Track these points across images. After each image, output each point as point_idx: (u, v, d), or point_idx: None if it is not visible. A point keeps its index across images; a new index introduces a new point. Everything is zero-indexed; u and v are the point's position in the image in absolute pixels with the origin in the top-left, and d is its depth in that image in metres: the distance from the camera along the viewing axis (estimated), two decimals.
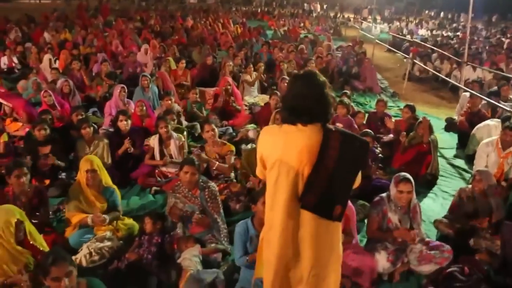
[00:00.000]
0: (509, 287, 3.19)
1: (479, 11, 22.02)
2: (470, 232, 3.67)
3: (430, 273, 3.31)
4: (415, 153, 5.16)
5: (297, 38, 16.25)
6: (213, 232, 3.60)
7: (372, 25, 22.45)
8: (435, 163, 5.14)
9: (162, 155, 4.91)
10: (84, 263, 3.29)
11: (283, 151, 2.05)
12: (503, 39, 19.42)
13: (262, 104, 7.17)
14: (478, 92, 6.88)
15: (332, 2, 39.76)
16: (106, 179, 3.93)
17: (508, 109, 5.84)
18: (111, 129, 5.64)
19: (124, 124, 5.10)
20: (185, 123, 6.36)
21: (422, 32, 22.35)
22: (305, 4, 37.23)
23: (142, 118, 5.88)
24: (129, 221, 3.92)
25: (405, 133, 5.33)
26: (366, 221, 3.98)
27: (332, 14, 31.80)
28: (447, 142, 6.65)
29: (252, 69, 8.37)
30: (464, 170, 5.70)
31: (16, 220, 2.95)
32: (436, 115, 7.94)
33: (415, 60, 11.38)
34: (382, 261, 3.28)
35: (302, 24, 23.19)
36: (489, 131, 5.60)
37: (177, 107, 6.44)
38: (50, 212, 4.02)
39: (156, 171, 4.86)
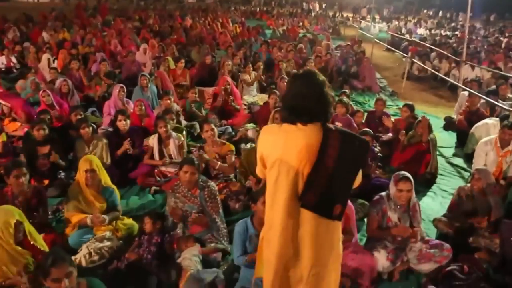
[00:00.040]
0: (508, 285, 3.19)
1: (477, 10, 22.08)
2: (470, 231, 3.68)
3: (430, 272, 3.32)
4: (414, 152, 5.17)
5: (296, 37, 16.25)
6: (212, 232, 3.61)
7: (371, 24, 22.47)
8: (434, 162, 5.15)
9: (161, 154, 4.91)
10: (83, 263, 3.29)
11: (283, 151, 2.05)
12: (501, 38, 19.44)
13: (261, 103, 7.17)
14: (476, 91, 6.89)
15: (331, 2, 39.78)
16: (105, 179, 3.92)
17: (506, 107, 5.84)
18: (110, 129, 5.63)
19: (123, 124, 5.10)
20: (184, 122, 6.35)
21: (421, 31, 22.36)
22: (304, 4, 37.19)
23: (141, 118, 5.88)
24: (128, 221, 3.91)
25: (404, 131, 5.35)
26: (365, 220, 3.99)
27: (331, 13, 31.81)
28: (446, 141, 6.66)
29: (251, 68, 8.37)
30: (463, 168, 5.71)
31: (15, 221, 2.95)
32: (434, 114, 7.95)
33: (414, 59, 11.40)
34: (381, 260, 3.29)
35: (301, 24, 23.19)
36: (487, 129, 5.61)
37: (176, 107, 6.43)
38: (49, 212, 4.02)
39: (156, 170, 4.86)
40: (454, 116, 7.32)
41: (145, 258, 3.31)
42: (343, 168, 2.00)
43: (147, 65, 9.58)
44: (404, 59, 13.02)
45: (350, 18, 28.81)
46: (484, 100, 6.58)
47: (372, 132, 5.19)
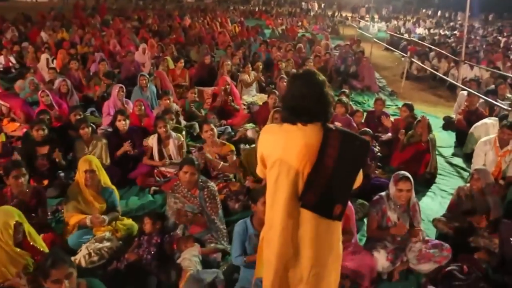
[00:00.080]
0: (507, 285, 3.20)
1: (476, 10, 22.06)
2: (469, 231, 3.69)
3: (429, 272, 3.33)
4: (414, 151, 5.17)
5: (295, 37, 16.26)
6: (212, 232, 3.61)
7: (370, 24, 22.46)
8: (433, 162, 5.15)
9: (161, 154, 4.90)
10: (83, 264, 3.28)
11: (284, 150, 2.05)
12: (499, 37, 19.49)
13: (261, 103, 7.17)
14: (475, 91, 6.90)
15: (330, 1, 39.79)
16: (104, 179, 3.92)
17: (505, 107, 5.85)
18: (110, 129, 5.63)
19: (123, 124, 5.09)
20: (183, 122, 6.35)
21: (420, 30, 22.38)
22: (303, 3, 37.19)
23: (141, 118, 5.88)
24: (128, 221, 3.91)
25: (403, 131, 5.35)
26: (365, 220, 4.00)
27: (330, 13, 31.82)
28: (445, 140, 6.66)
29: (250, 68, 8.37)
30: (462, 168, 5.71)
31: (15, 221, 2.94)
32: (434, 114, 7.95)
33: (413, 59, 11.40)
34: (381, 260, 3.29)
35: (300, 23, 23.19)
36: (487, 129, 5.62)
37: (175, 107, 6.43)
38: (49, 213, 4.01)
39: (155, 171, 4.85)
40: (453, 115, 7.33)
41: (145, 259, 3.30)
42: (343, 168, 2.00)
43: (146, 65, 9.58)
44: (403, 58, 13.02)
45: (349, 18, 28.80)
46: (483, 100, 6.59)
47: (371, 132, 5.20)
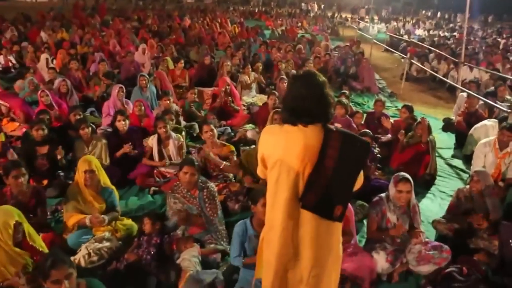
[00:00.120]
0: (507, 287, 3.20)
1: (475, 12, 22.12)
2: (469, 233, 3.69)
3: (429, 274, 3.32)
4: (414, 153, 5.17)
5: (294, 38, 16.28)
6: (211, 233, 3.60)
7: (369, 25, 22.48)
8: (433, 163, 5.15)
9: (160, 155, 4.90)
10: (83, 264, 3.27)
11: (284, 151, 2.05)
12: (499, 39, 19.52)
13: (260, 104, 7.17)
14: (475, 92, 6.91)
15: (330, 2, 39.83)
16: (104, 179, 3.92)
17: (505, 109, 5.86)
18: (109, 129, 5.62)
19: (122, 124, 5.09)
20: (183, 123, 6.35)
21: (419, 32, 22.41)
22: (303, 4, 37.24)
23: (141, 118, 5.88)
24: (128, 221, 3.91)
25: (403, 131, 5.35)
26: (365, 221, 4.00)
27: (329, 14, 31.84)
28: (444, 142, 6.67)
29: (250, 69, 8.37)
30: (461, 170, 5.71)
31: (14, 221, 2.93)
32: (433, 115, 7.96)
33: (412, 60, 11.42)
34: (381, 261, 3.29)
35: (299, 24, 23.21)
36: (486, 131, 5.63)
37: (175, 107, 6.42)
38: (48, 213, 4.01)
39: (155, 171, 4.85)
40: (453, 117, 7.33)
41: (144, 259, 3.30)
42: (343, 169, 2.00)
43: (146, 65, 9.57)
44: (402, 60, 13.03)
45: (349, 19, 28.81)
46: (482, 102, 6.60)
47: (371, 133, 5.20)
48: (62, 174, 4.69)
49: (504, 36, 21.22)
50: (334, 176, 1.99)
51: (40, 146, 4.70)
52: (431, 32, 22.41)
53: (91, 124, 5.16)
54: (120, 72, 8.99)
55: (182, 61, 8.85)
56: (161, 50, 10.63)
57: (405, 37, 17.93)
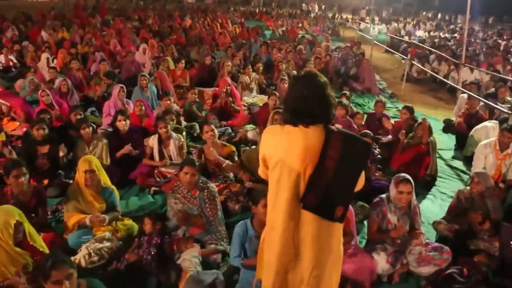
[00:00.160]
0: None
1: (476, 13, 22.12)
2: (469, 234, 3.68)
3: (429, 275, 3.32)
4: (414, 154, 5.17)
5: (295, 38, 16.28)
6: (211, 233, 3.60)
7: (370, 26, 22.48)
8: (434, 164, 5.15)
9: (161, 155, 4.90)
10: (83, 264, 3.27)
11: (286, 152, 2.05)
12: (499, 41, 19.52)
13: (261, 104, 7.17)
14: (475, 94, 6.91)
15: (330, 3, 39.83)
16: (104, 179, 3.91)
17: (505, 110, 5.86)
18: (110, 129, 5.62)
19: (123, 124, 5.09)
20: (184, 123, 6.35)
21: (420, 33, 22.40)
22: (303, 5, 37.24)
23: (141, 118, 5.88)
24: (128, 222, 3.90)
25: (404, 131, 5.35)
26: (365, 222, 4.00)
27: (330, 15, 31.83)
28: (445, 143, 6.67)
29: (251, 70, 8.37)
30: (462, 171, 5.72)
31: (15, 221, 2.93)
32: (434, 117, 7.96)
33: (413, 62, 11.42)
34: (381, 262, 3.29)
35: (300, 25, 23.22)
36: (487, 132, 5.63)
37: (176, 107, 6.42)
38: (49, 212, 4.00)
39: (155, 171, 4.84)
40: (454, 118, 7.34)
41: (145, 259, 3.30)
42: (344, 169, 2.00)
43: (146, 65, 9.57)
44: (403, 61, 13.04)
45: (349, 20, 28.83)
46: (483, 103, 6.60)
47: (372, 134, 5.20)
48: (62, 173, 4.68)
49: (505, 37, 21.22)
50: (335, 177, 1.99)
51: (40, 146, 4.70)
52: (431, 33, 22.42)
53: (92, 124, 5.16)
54: (121, 72, 8.99)
55: (183, 61, 8.86)
56: (162, 50, 10.63)
57: (406, 38, 17.92)
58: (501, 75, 9.58)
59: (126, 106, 6.30)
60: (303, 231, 2.10)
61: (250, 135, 6.02)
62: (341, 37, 20.57)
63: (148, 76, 7.20)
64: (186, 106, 6.90)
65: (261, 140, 2.22)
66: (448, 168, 5.83)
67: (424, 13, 36.31)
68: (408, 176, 3.43)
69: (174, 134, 5.03)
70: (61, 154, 4.63)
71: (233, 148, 4.86)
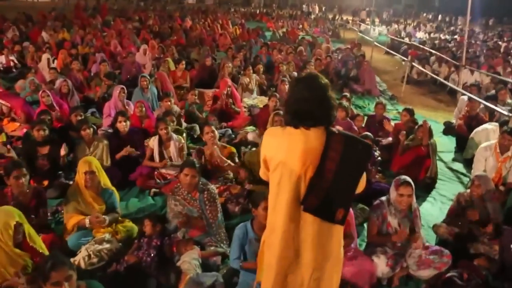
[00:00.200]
0: None
1: (476, 15, 22.13)
2: (469, 237, 3.68)
3: (429, 278, 3.32)
4: (414, 156, 5.17)
5: (295, 39, 16.28)
6: (211, 236, 3.60)
7: (370, 27, 22.51)
8: (434, 167, 5.15)
9: (161, 156, 4.89)
10: (82, 266, 3.27)
11: (286, 153, 2.05)
12: (499, 42, 19.52)
13: (261, 106, 7.17)
14: (476, 96, 6.90)
15: (331, 4, 39.86)
16: (104, 180, 3.91)
17: (505, 113, 5.86)
18: (110, 130, 5.62)
19: (123, 125, 5.08)
20: (184, 124, 6.34)
21: (420, 35, 22.40)
22: (304, 6, 37.27)
23: (142, 119, 5.87)
24: (128, 224, 3.89)
25: (404, 132, 5.35)
26: (365, 225, 3.99)
27: (330, 16, 31.88)
28: (445, 145, 6.67)
29: (251, 71, 8.36)
30: (462, 174, 5.71)
31: (15, 222, 2.93)
32: (434, 119, 7.96)
33: (413, 63, 11.42)
34: (381, 265, 3.28)
35: (300, 26, 23.23)
36: (487, 135, 5.62)
37: (176, 109, 6.42)
38: (49, 214, 4.00)
39: (156, 173, 4.83)
40: (454, 120, 7.33)
41: (145, 261, 3.29)
42: (345, 171, 1.99)
43: (147, 66, 9.57)
44: (403, 62, 13.04)
45: (350, 21, 28.85)
46: (483, 105, 6.59)
47: (372, 136, 5.20)
48: (62, 175, 4.68)
49: (505, 39, 21.21)
50: (336, 179, 1.98)
51: (41, 147, 4.70)
52: (432, 35, 22.41)
53: (93, 125, 5.15)
54: (121, 73, 8.98)
55: (183, 62, 8.86)
56: (162, 51, 10.63)
57: (406, 39, 17.93)
58: (501, 77, 9.58)
59: (127, 107, 6.29)
60: (303, 233, 2.09)
61: (250, 136, 6.02)
62: (341, 39, 20.58)
63: (148, 77, 7.20)
64: (186, 107, 6.90)
65: (262, 141, 2.22)
66: (448, 170, 5.83)
67: (424, 14, 36.32)
68: (408, 179, 3.42)
69: (174, 136, 5.03)
70: (62, 153, 4.59)
71: (233, 150, 4.86)
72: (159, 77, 7.86)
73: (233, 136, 6.29)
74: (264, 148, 2.18)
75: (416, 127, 5.29)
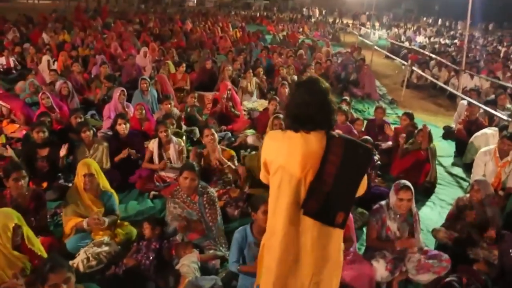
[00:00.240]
0: None
1: (476, 19, 22.18)
2: (468, 242, 3.68)
3: (428, 283, 3.31)
4: (414, 160, 5.17)
5: (296, 43, 16.31)
6: (210, 239, 3.59)
7: (370, 31, 22.54)
8: (433, 171, 5.15)
9: (161, 159, 4.88)
10: (81, 268, 3.25)
11: (286, 158, 2.05)
12: (499, 47, 19.57)
13: (261, 109, 7.17)
14: (475, 101, 6.92)
15: (331, 8, 39.97)
16: (104, 183, 3.90)
17: (505, 118, 5.87)
18: (110, 132, 5.62)
19: (123, 128, 5.08)
20: (184, 127, 6.34)
21: (420, 39, 22.45)
22: (304, 9, 37.36)
23: (141, 122, 5.88)
24: (127, 227, 3.89)
25: (404, 135, 5.35)
26: (364, 229, 3.99)
27: (331, 20, 31.92)
28: (445, 150, 6.67)
29: (252, 74, 8.37)
30: (461, 178, 5.71)
31: (14, 224, 2.92)
32: (434, 123, 7.96)
33: (413, 67, 11.44)
34: (380, 269, 3.28)
35: (301, 29, 23.26)
36: (486, 139, 5.63)
37: (176, 111, 6.42)
38: (48, 216, 3.99)
39: (155, 175, 4.83)
40: (453, 125, 7.34)
41: (143, 264, 3.29)
42: (346, 175, 2.00)
43: (147, 68, 9.58)
44: (403, 66, 13.06)
45: (350, 25, 28.90)
46: (483, 110, 6.60)
47: (372, 140, 5.20)
48: (62, 177, 4.67)
49: (505, 44, 21.26)
50: (336, 183, 1.98)
51: (40, 149, 4.69)
52: (432, 39, 22.45)
53: (93, 127, 5.15)
54: (121, 75, 8.98)
55: (184, 64, 8.86)
56: (163, 53, 10.64)
57: (406, 44, 17.97)
58: (501, 82, 9.60)
59: (126, 109, 6.29)
60: (303, 237, 2.09)
61: (250, 140, 6.02)
62: (341, 42, 20.62)
63: (148, 79, 7.20)
64: (186, 110, 6.90)
65: (263, 144, 2.22)
66: (447, 175, 5.83)
67: (424, 19, 36.38)
68: (408, 183, 3.42)
69: (174, 138, 5.03)
70: (61, 154, 4.58)
71: (233, 153, 4.85)
72: (159, 80, 7.86)
73: (233, 139, 6.29)
74: (264, 151, 2.19)
75: (416, 131, 5.30)
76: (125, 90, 6.47)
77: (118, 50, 11.17)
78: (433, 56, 13.27)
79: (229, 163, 4.61)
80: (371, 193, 4.45)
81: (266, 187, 2.22)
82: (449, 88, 9.67)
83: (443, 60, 12.04)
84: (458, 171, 5.95)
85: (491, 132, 5.72)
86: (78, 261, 3.29)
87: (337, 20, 31.81)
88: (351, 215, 3.55)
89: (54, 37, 12.69)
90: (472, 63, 12.35)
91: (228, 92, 7.08)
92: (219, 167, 4.67)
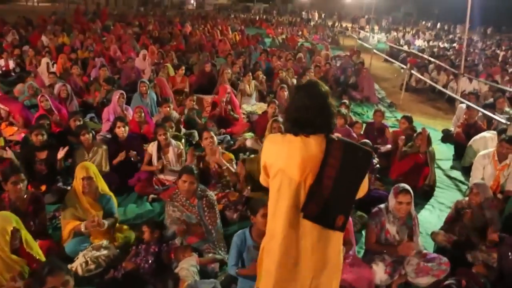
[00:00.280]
0: None
1: (475, 23, 22.26)
2: (467, 245, 3.68)
3: (428, 286, 3.31)
4: (413, 163, 5.18)
5: (295, 46, 16.34)
6: (209, 242, 3.59)
7: (369, 34, 22.62)
8: (432, 174, 5.16)
9: None
10: (80, 272, 3.24)
11: (286, 161, 2.05)
12: (498, 51, 19.64)
13: (260, 112, 7.18)
14: (474, 104, 6.93)
15: (330, 11, 40.10)
16: (102, 186, 3.89)
17: (503, 121, 5.88)
18: (109, 135, 5.61)
19: (122, 131, 5.07)
20: (183, 130, 6.34)
21: (419, 42, 22.52)
22: (303, 13, 37.47)
23: (140, 125, 5.88)
24: (126, 231, 3.88)
25: (403, 137, 5.36)
26: (363, 232, 3.98)
27: (330, 23, 32.03)
28: (443, 153, 6.67)
29: (251, 77, 8.37)
30: (460, 181, 5.71)
31: (12, 228, 2.91)
32: (432, 126, 7.97)
33: (412, 71, 11.47)
34: (379, 273, 3.28)
35: (300, 33, 23.32)
36: (485, 143, 5.64)
37: (175, 114, 6.42)
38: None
39: (154, 178, 4.83)
40: (452, 128, 7.35)
41: (142, 268, 3.28)
42: (345, 178, 2.00)
43: (146, 71, 9.59)
44: (402, 70, 13.09)
45: (349, 28, 28.99)
46: (481, 113, 6.62)
47: (371, 143, 5.20)
48: (60, 180, 4.66)
49: (503, 48, 21.35)
50: (336, 186, 1.99)
51: (39, 151, 4.68)
52: (431, 42, 22.53)
53: (92, 130, 5.14)
54: (121, 78, 8.99)
55: (183, 67, 8.87)
56: (162, 56, 10.65)
57: (405, 47, 18.03)
58: (499, 86, 9.63)
59: (125, 112, 6.29)
60: (303, 240, 2.09)
61: (249, 143, 6.02)
62: (340, 46, 20.67)
63: (147, 82, 7.20)
64: (185, 113, 6.90)
65: (263, 148, 2.23)
66: (446, 178, 5.83)
67: (423, 22, 36.55)
68: (407, 187, 3.42)
69: (173, 141, 5.03)
70: (59, 156, 4.57)
71: (232, 156, 4.85)
72: (158, 83, 7.86)
73: (232, 142, 6.29)
74: (264, 154, 2.19)
75: (415, 134, 5.31)
76: (124, 93, 6.47)
77: (117, 53, 11.17)
78: (432, 59, 13.31)
79: (228, 164, 4.61)
80: (370, 196, 4.44)
81: (266, 190, 2.22)
82: (448, 92, 9.69)
83: (442, 64, 12.07)
84: (457, 174, 5.95)
85: (489, 135, 5.73)
86: (77, 265, 3.28)
87: (336, 24, 31.94)
88: (350, 218, 3.55)
89: (54, 40, 12.70)
90: (471, 67, 12.39)
91: (227, 95, 7.08)
92: (218, 170, 4.67)
